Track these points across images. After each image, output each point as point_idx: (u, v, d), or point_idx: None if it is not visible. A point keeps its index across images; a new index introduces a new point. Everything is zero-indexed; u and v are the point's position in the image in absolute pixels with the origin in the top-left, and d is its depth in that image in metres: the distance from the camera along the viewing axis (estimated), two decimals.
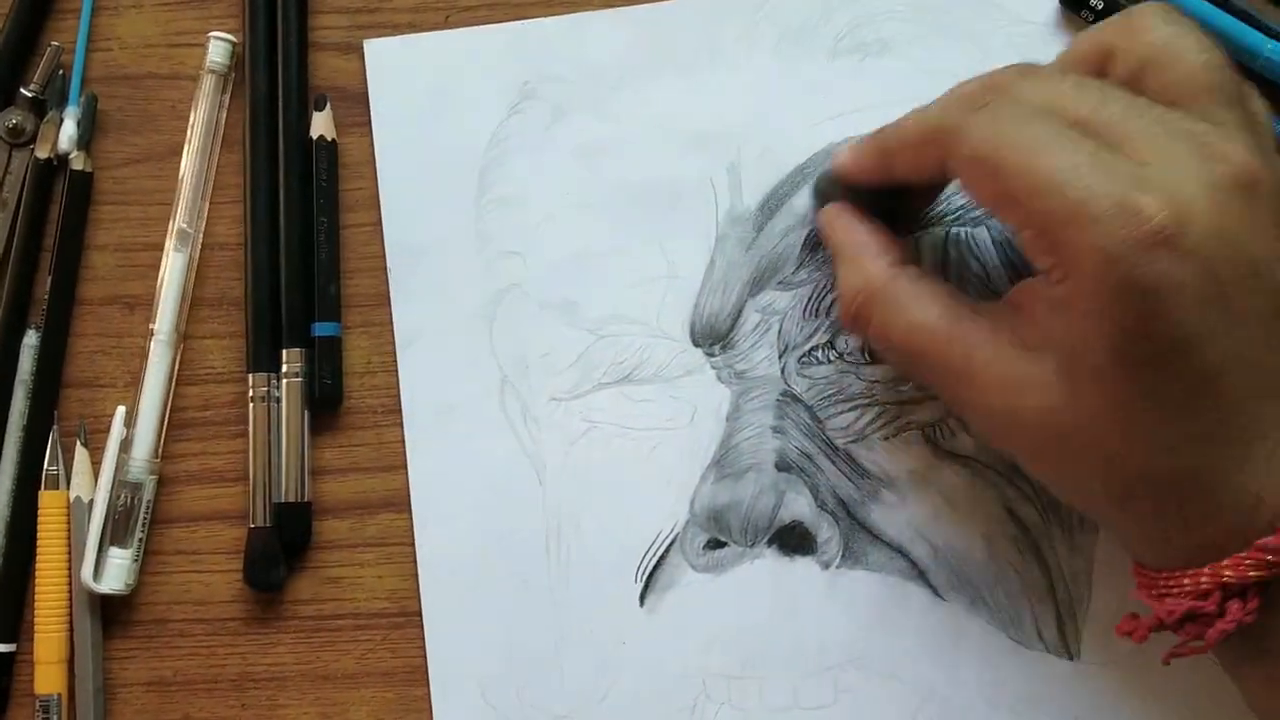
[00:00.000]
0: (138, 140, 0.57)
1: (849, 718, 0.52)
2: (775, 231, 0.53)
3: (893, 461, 0.52)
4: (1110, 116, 0.41)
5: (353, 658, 0.54)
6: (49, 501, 0.54)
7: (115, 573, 0.53)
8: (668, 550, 0.53)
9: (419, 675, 0.53)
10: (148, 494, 0.54)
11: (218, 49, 0.56)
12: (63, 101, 0.56)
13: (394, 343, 0.55)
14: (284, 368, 0.54)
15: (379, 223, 0.56)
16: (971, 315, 0.45)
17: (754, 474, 0.52)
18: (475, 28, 0.56)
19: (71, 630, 0.53)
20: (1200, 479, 0.40)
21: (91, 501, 0.54)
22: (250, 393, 0.54)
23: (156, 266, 0.55)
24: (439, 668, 0.53)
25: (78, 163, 0.56)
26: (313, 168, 0.55)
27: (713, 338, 0.53)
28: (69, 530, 0.54)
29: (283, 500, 0.54)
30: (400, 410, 0.55)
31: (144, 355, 0.55)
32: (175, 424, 0.55)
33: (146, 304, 0.55)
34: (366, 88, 0.56)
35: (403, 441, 0.55)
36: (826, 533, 0.52)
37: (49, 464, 0.54)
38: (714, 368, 0.53)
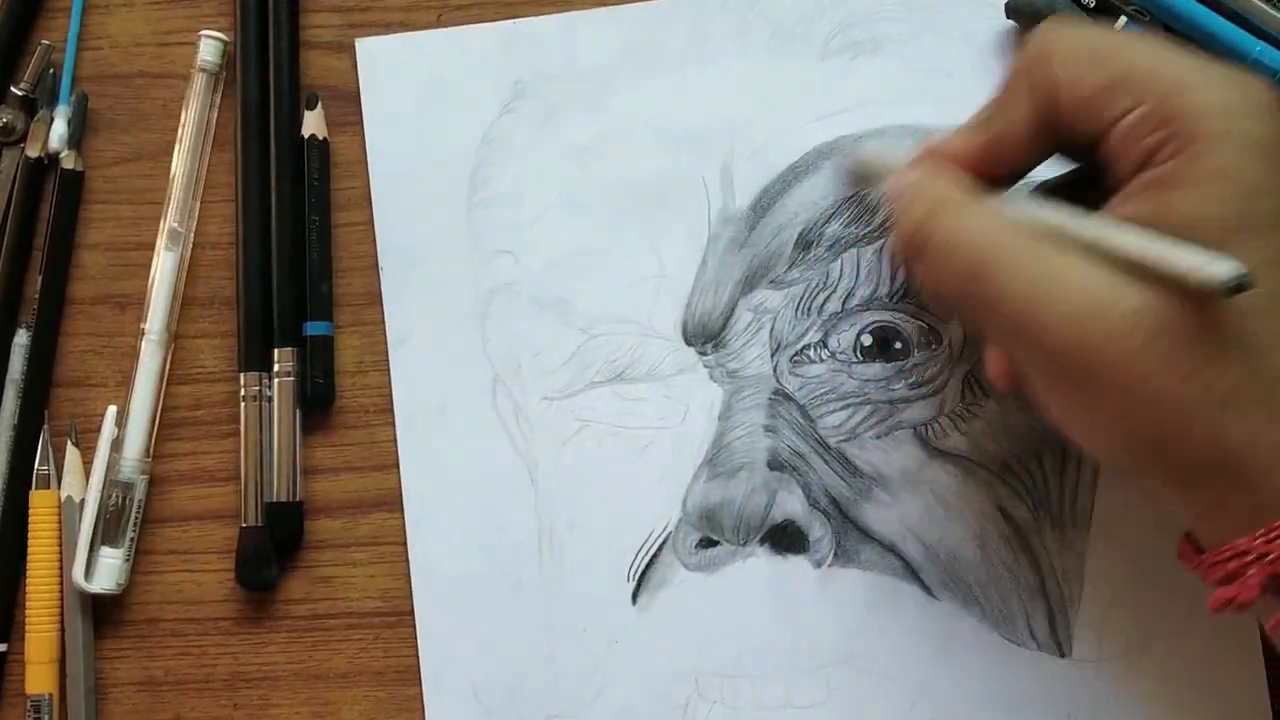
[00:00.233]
0: (129, 139, 0.57)
1: (841, 716, 0.52)
2: (767, 230, 0.53)
3: (885, 460, 0.52)
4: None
5: (345, 657, 0.54)
6: (40, 501, 0.54)
7: (106, 572, 0.53)
8: (660, 549, 0.53)
9: (410, 674, 0.53)
10: (139, 493, 0.54)
11: (209, 48, 0.56)
12: (53, 100, 0.56)
13: (386, 342, 0.55)
14: (276, 367, 0.54)
15: (371, 222, 0.56)
16: (1052, 236, 0.42)
17: (746, 473, 0.52)
18: (467, 26, 0.56)
19: (63, 630, 0.53)
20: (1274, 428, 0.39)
21: (83, 501, 0.54)
22: (242, 392, 0.54)
23: (148, 266, 0.55)
24: (431, 667, 0.53)
25: (68, 161, 0.55)
26: (304, 167, 0.55)
27: (705, 337, 0.53)
28: (60, 530, 0.54)
29: (274, 500, 0.54)
30: (392, 409, 0.55)
31: (135, 355, 0.55)
32: (166, 423, 0.55)
33: (138, 303, 0.55)
34: (358, 87, 0.56)
35: (394, 441, 0.54)
36: (819, 531, 0.52)
37: (40, 464, 0.54)
38: (706, 367, 0.53)
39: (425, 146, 0.56)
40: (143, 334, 0.55)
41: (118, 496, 0.54)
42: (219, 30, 0.56)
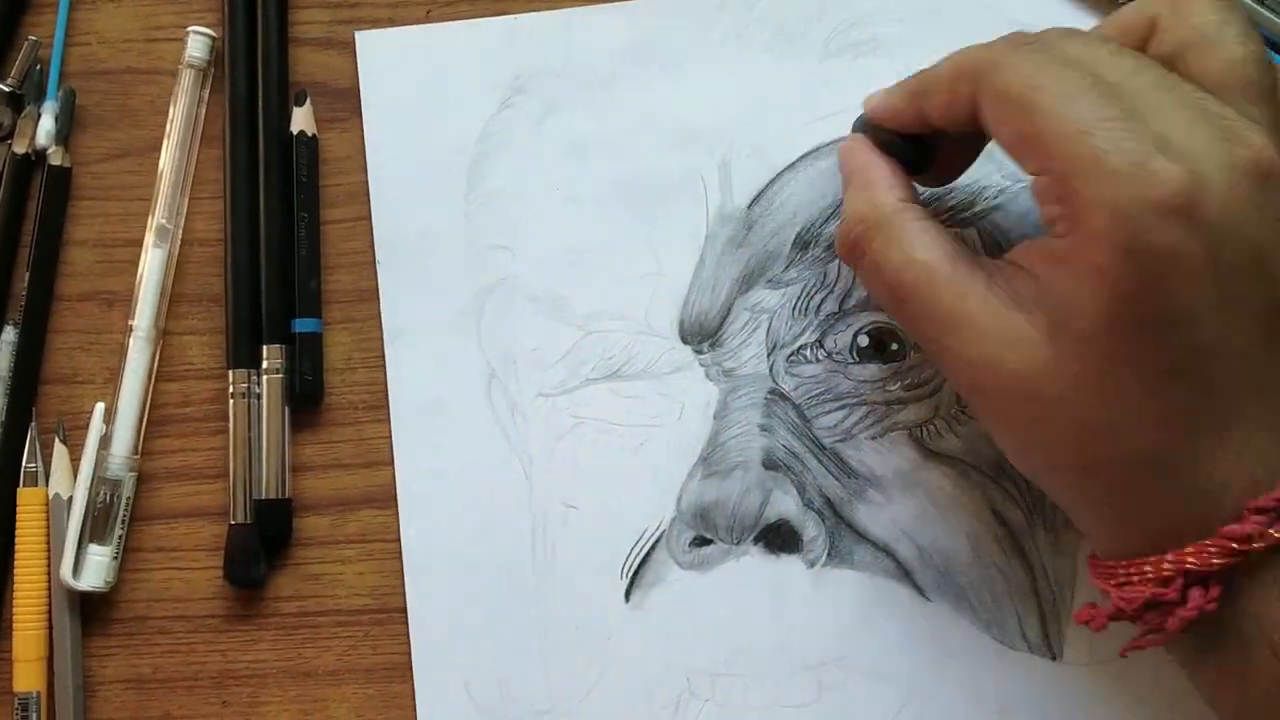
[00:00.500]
0: (116, 135, 0.56)
1: (832, 716, 0.52)
2: (765, 230, 0.54)
3: (879, 461, 0.52)
4: (1142, 85, 0.40)
5: (334, 654, 0.54)
6: (27, 499, 0.53)
7: (94, 570, 0.53)
8: (654, 547, 0.53)
9: (400, 672, 0.53)
10: (127, 491, 0.54)
11: (197, 44, 0.56)
12: (41, 96, 0.56)
13: (376, 338, 0.55)
14: (264, 364, 0.54)
15: (360, 218, 0.56)
16: (970, 263, 0.44)
17: (741, 472, 0.53)
18: (468, 21, 0.56)
19: (50, 628, 0.53)
20: (1169, 460, 0.40)
21: (70, 498, 0.53)
22: (230, 389, 0.54)
23: (135, 262, 0.55)
24: (423, 663, 0.53)
25: (56, 158, 0.55)
26: (293, 163, 0.55)
27: (701, 335, 0.53)
28: (48, 527, 0.53)
29: (263, 497, 0.54)
30: (382, 406, 0.55)
31: (123, 351, 0.54)
32: (155, 420, 0.55)
33: (125, 300, 0.55)
34: (347, 83, 0.56)
35: (385, 437, 0.54)
36: (812, 531, 0.52)
37: (27, 461, 0.54)
38: (702, 365, 0.53)
39: (424, 140, 0.55)
40: (130, 331, 0.54)
41: (106, 494, 0.53)
42: (207, 26, 0.56)
